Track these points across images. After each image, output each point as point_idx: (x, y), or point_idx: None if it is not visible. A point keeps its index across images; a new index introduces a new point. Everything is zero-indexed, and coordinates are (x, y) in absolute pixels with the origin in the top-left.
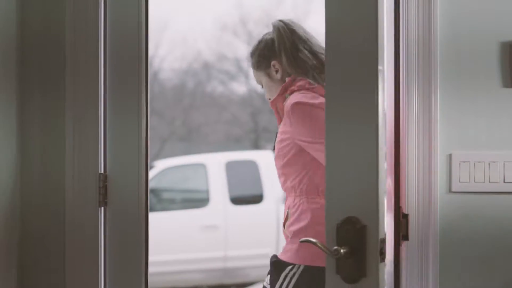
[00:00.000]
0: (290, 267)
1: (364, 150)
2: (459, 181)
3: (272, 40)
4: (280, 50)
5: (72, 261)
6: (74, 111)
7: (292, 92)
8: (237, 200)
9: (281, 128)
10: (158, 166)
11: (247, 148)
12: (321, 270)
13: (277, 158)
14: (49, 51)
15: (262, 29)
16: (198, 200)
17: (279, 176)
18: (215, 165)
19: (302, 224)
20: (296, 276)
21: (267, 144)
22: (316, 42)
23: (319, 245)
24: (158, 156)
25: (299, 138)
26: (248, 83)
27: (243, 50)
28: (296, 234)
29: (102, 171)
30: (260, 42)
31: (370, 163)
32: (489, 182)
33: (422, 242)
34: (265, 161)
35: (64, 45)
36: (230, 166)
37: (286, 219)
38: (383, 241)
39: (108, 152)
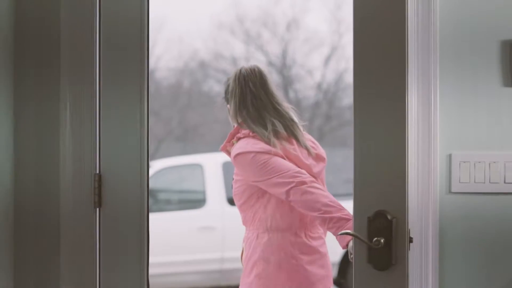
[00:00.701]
0: None
1: (392, 149)
2: (459, 182)
3: (229, 86)
4: (231, 98)
5: (67, 263)
6: (68, 108)
7: (238, 139)
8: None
9: (235, 170)
10: (154, 166)
11: None
12: None
13: (234, 196)
14: (43, 48)
15: (259, 28)
16: (194, 201)
17: (239, 212)
18: (212, 165)
19: (253, 259)
20: None
21: None
22: (266, 96)
23: (360, 236)
24: (154, 156)
25: (250, 180)
26: None
27: (240, 49)
28: (249, 269)
29: (97, 171)
30: (226, 82)
31: (398, 161)
32: (490, 182)
33: (422, 243)
34: None
35: (59, 41)
36: (227, 167)
37: (242, 252)
38: (409, 232)
39: (102, 151)
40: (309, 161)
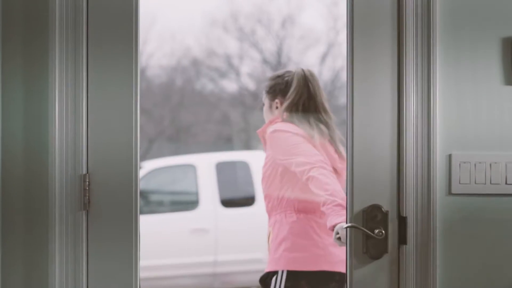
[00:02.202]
0: (275, 276)
1: (385, 151)
2: (459, 183)
3: (288, 83)
4: (290, 96)
5: (54, 265)
6: (57, 107)
7: (276, 122)
8: (228, 203)
9: (265, 154)
10: (146, 167)
11: (238, 148)
12: (303, 274)
13: (262, 180)
14: (32, 38)
15: (254, 25)
16: (187, 203)
17: (264, 200)
18: (205, 166)
19: (281, 236)
20: (283, 282)
21: (259, 144)
22: (320, 99)
23: (365, 230)
24: (145, 157)
25: (279, 158)
26: (239, 81)
27: (233, 46)
28: (277, 245)
29: (85, 171)
30: (281, 77)
31: (391, 159)
32: (491, 183)
33: (421, 246)
34: (257, 161)
35: (47, 35)
36: (221, 167)
37: (269, 235)
38: (401, 224)
39: (90, 151)
40: (336, 156)
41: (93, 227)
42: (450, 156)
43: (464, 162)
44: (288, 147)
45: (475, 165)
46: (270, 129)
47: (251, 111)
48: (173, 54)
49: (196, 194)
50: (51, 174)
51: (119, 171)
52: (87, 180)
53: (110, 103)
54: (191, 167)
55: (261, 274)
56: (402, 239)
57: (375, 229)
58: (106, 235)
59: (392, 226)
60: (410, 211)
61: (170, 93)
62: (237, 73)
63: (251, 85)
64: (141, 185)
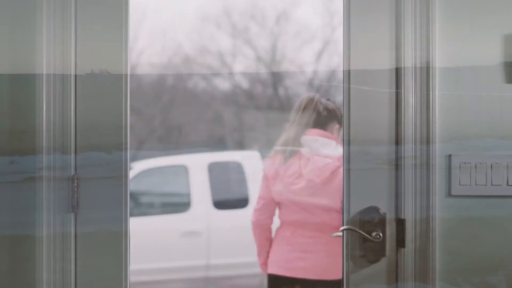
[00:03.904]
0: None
1: (383, 151)
2: (459, 184)
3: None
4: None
5: (42, 270)
6: (44, 104)
7: None
8: (220, 204)
9: None
10: (136, 168)
11: (231, 148)
12: (276, 278)
13: None
14: (21, 29)
15: (247, 21)
16: (178, 204)
17: None
18: (197, 166)
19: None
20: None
21: (252, 144)
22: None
23: (362, 232)
24: (135, 157)
25: None
26: (232, 79)
27: (226, 43)
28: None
29: (73, 173)
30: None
31: (389, 160)
32: (492, 185)
33: (420, 249)
34: (251, 162)
35: (35, 26)
36: (213, 168)
37: None
38: (399, 227)
39: (79, 151)
40: (287, 179)
41: (82, 230)
42: (450, 156)
43: (464, 163)
44: None
45: (475, 165)
46: None
47: (245, 110)
48: (164, 52)
49: (188, 195)
50: (38, 176)
51: (108, 172)
52: (76, 181)
53: (99, 102)
54: (183, 168)
55: (254, 277)
56: (400, 242)
57: (372, 232)
58: (95, 238)
59: (390, 228)
60: (408, 213)
61: (161, 91)
62: (230, 71)
63: (244, 83)
64: (131, 187)
